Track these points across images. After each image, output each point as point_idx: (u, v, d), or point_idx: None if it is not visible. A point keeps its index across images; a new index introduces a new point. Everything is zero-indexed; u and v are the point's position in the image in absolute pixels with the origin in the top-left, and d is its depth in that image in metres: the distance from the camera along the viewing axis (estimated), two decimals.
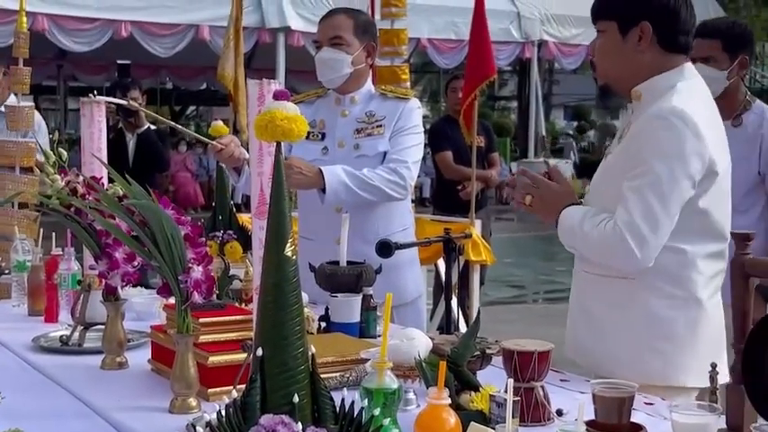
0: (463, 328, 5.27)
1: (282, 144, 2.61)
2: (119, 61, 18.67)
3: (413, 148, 3.26)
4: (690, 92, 2.28)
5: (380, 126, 3.26)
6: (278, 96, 1.19)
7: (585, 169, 23.51)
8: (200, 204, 16.96)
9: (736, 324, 1.77)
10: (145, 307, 2.98)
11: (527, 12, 16.09)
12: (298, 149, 3.26)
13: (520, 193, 2.44)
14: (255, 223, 1.80)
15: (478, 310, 2.10)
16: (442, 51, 15.31)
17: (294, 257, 1.18)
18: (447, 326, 2.95)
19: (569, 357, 2.48)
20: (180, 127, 3.73)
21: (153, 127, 6.68)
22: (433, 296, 6.41)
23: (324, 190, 3.08)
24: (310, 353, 1.20)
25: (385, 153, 3.23)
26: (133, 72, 19.86)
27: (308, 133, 3.29)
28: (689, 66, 2.35)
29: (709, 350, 2.26)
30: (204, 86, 22.04)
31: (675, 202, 2.19)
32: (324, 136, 3.31)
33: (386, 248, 2.75)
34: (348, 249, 2.87)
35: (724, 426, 1.73)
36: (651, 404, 2.09)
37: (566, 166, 18.59)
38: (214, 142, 3.10)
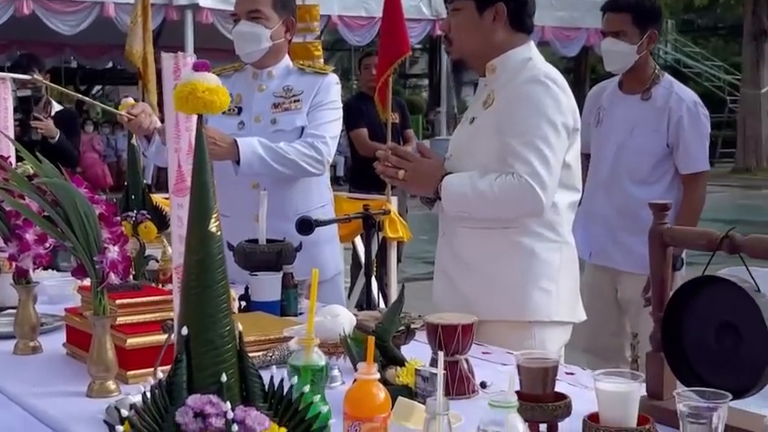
0: (382, 305, 5.28)
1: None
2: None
3: (331, 123, 3.23)
4: (545, 62, 2.60)
5: (298, 101, 3.22)
6: (198, 67, 1.15)
7: None
8: (108, 185, 16.58)
9: (655, 292, 1.80)
10: (57, 290, 2.89)
11: None
12: (213, 124, 3.19)
13: (392, 168, 2.57)
14: (174, 201, 1.75)
15: (402, 285, 2.09)
16: (354, 29, 15.25)
17: (219, 233, 1.15)
18: (367, 301, 2.94)
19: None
20: (89, 99, 3.59)
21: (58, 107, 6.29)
22: (350, 274, 6.40)
23: (238, 162, 3.03)
24: (237, 331, 1.17)
25: (302, 128, 3.19)
26: (36, 51, 19.25)
27: None
28: (533, 43, 2.64)
29: (575, 287, 2.64)
30: (110, 65, 21.51)
31: (561, 151, 2.48)
32: (240, 110, 3.25)
33: (306, 226, 2.72)
34: (267, 227, 2.83)
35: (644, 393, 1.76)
36: (572, 374, 2.12)
37: None
38: (124, 112, 3.02)
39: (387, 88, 5.51)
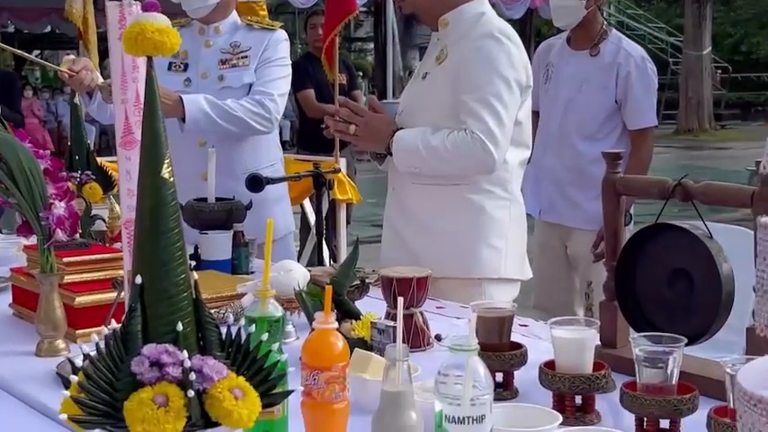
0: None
1: None
2: None
3: (279, 80, 3.16)
4: (498, 18, 2.59)
5: (246, 57, 3.15)
6: (147, 8, 1.11)
7: None
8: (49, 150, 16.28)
9: (608, 242, 1.81)
10: (1, 252, 2.83)
11: None
12: (160, 81, 3.13)
13: (342, 123, 2.55)
14: (121, 154, 1.71)
15: (357, 239, 2.07)
16: None
17: (172, 179, 1.11)
18: (319, 259, 2.92)
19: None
20: (34, 58, 3.47)
21: None
22: (299, 237, 6.37)
23: (184, 119, 2.97)
24: (193, 280, 1.14)
25: (250, 85, 3.13)
26: None
27: (170, 64, 3.18)
28: None
29: (523, 244, 2.63)
30: (49, 29, 21.03)
31: (514, 108, 2.47)
32: (186, 67, 3.17)
33: (256, 183, 2.68)
34: (215, 185, 2.79)
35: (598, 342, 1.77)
36: (526, 325, 2.13)
37: None
38: (64, 69, 2.92)
39: (334, 48, 5.46)
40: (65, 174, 1.91)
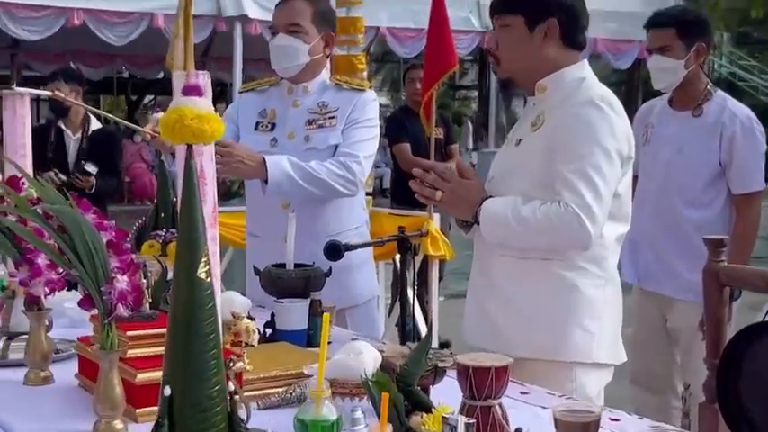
0: (421, 323, 5.13)
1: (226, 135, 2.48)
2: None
3: (366, 141, 3.09)
4: (600, 84, 2.45)
5: (333, 118, 3.09)
6: (188, 91, 1.02)
7: None
8: (156, 196, 16.66)
9: (710, 336, 1.64)
10: (79, 313, 2.77)
11: (487, 0, 15.96)
12: (246, 140, 3.10)
13: (428, 188, 2.43)
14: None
15: (430, 323, 1.94)
16: (402, 40, 15.12)
17: (208, 279, 1.01)
18: (402, 333, 2.79)
19: (471, 345, 2.46)
20: (110, 115, 3.49)
21: (97, 125, 5.92)
22: (391, 291, 6.26)
23: (267, 181, 2.92)
24: (229, 389, 1.03)
25: (336, 146, 3.06)
26: (88, 61, 19.49)
27: (257, 123, 3.16)
28: (586, 62, 2.49)
29: (618, 326, 2.46)
30: (161, 75, 21.67)
31: (614, 182, 2.32)
32: (274, 126, 3.14)
33: (335, 251, 2.58)
34: (297, 248, 2.70)
35: None
36: (617, 420, 1.95)
37: None
38: (146, 129, 2.93)
39: (432, 103, 5.36)
40: (129, 245, 1.83)
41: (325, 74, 3.22)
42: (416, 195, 2.51)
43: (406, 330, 2.88)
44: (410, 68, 6.55)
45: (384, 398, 1.21)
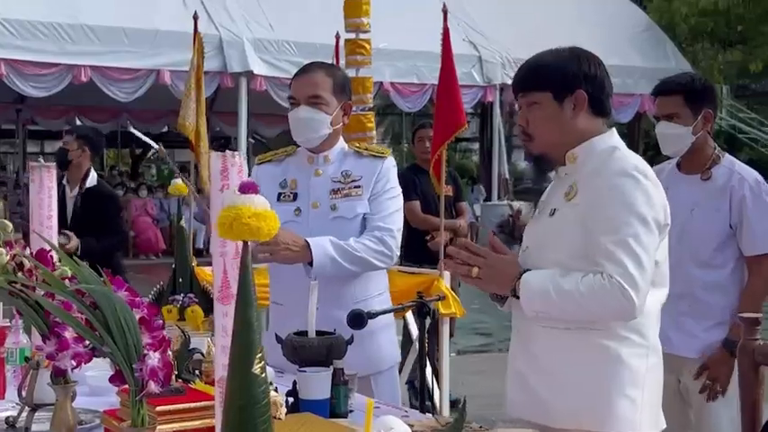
0: (432, 381, 5.10)
1: None
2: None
3: (396, 213, 3.13)
4: (631, 152, 2.46)
5: (359, 187, 3.12)
6: (245, 189, 1.03)
7: None
8: (161, 250, 16.67)
9: (746, 415, 1.63)
10: (99, 381, 2.76)
11: (488, 56, 16.17)
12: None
13: (464, 266, 2.41)
14: (218, 309, 1.63)
15: (464, 400, 1.93)
16: (405, 95, 15.28)
17: (263, 375, 1.01)
18: (421, 398, 2.78)
19: (513, 416, 2.44)
20: (156, 146, 3.28)
21: (95, 179, 5.72)
22: (401, 348, 6.23)
23: (311, 263, 2.95)
24: None
25: (363, 215, 3.10)
26: (93, 116, 19.65)
27: (279, 194, 3.16)
28: (614, 130, 2.51)
29: (660, 393, 2.44)
30: (166, 129, 21.83)
31: (653, 250, 2.32)
32: (296, 196, 3.15)
33: (358, 320, 2.59)
34: (322, 315, 2.69)
35: None
36: None
37: (529, 208, 18.59)
38: (261, 247, 2.86)
39: (441, 162, 5.40)
40: (160, 322, 1.83)
41: (342, 141, 3.25)
42: (452, 273, 2.50)
43: (424, 397, 2.87)
44: (419, 128, 6.58)
45: None
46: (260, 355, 1.01)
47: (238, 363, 1.01)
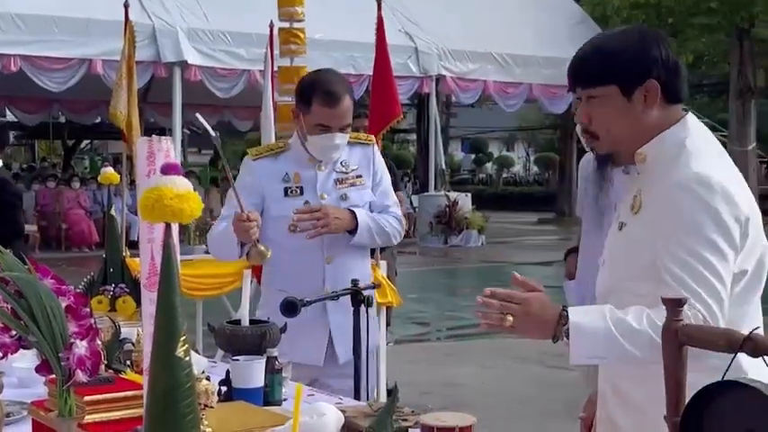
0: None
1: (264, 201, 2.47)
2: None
3: (395, 197, 3.43)
4: (699, 149, 2.11)
5: (359, 176, 3.28)
6: (167, 170, 1.02)
7: (484, 201, 23.74)
8: (94, 242, 16.41)
9: (670, 395, 1.66)
10: (27, 372, 2.72)
11: (425, 47, 16.21)
12: (277, 207, 3.22)
13: (497, 315, 2.07)
14: (145, 296, 1.61)
15: (395, 385, 1.93)
16: None
17: (187, 358, 1.00)
18: (357, 386, 2.78)
19: None
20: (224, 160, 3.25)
21: None
22: None
23: (352, 231, 3.19)
24: None
25: (370, 203, 3.29)
26: (24, 106, 19.27)
27: (286, 189, 3.24)
28: (689, 116, 2.18)
29: None
30: (98, 120, 21.50)
31: (728, 275, 2.03)
32: (302, 190, 3.24)
33: (291, 308, 2.57)
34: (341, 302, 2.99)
35: None
36: None
37: (466, 199, 18.72)
38: (244, 213, 2.98)
39: None
40: (88, 310, 1.80)
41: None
42: (483, 325, 2.13)
43: (359, 386, 2.88)
44: (355, 117, 6.55)
45: None
46: (183, 338, 1.00)
47: (161, 346, 1.00)
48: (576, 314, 2.04)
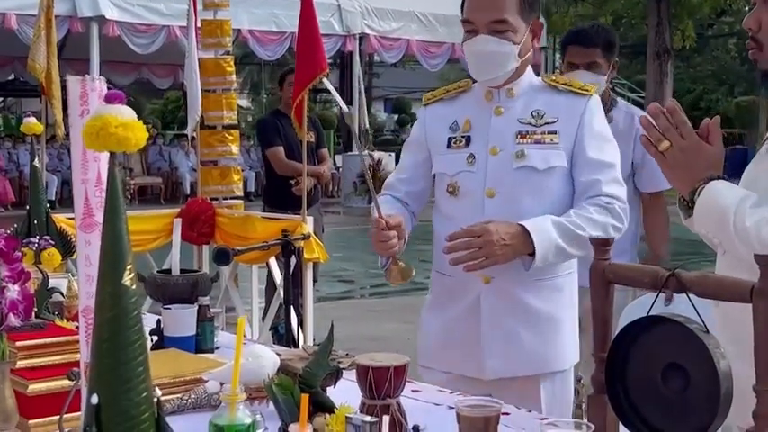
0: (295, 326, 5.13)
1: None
2: None
3: (617, 169, 2.55)
4: None
5: (554, 132, 2.50)
6: (111, 99, 1.01)
7: None
8: (10, 201, 16.05)
9: (597, 331, 1.72)
10: None
11: (348, 5, 16.13)
12: (438, 163, 2.61)
13: (656, 133, 1.88)
14: (81, 237, 1.59)
15: (332, 325, 1.95)
16: (264, 43, 15.09)
17: (134, 286, 1.01)
18: (287, 336, 2.81)
19: None
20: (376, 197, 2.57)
21: None
22: (265, 295, 6.24)
23: (530, 254, 2.41)
24: (156, 398, 1.03)
25: (559, 169, 2.50)
26: None
27: (450, 139, 2.59)
28: None
29: None
30: (12, 77, 20.91)
31: None
32: (469, 140, 2.55)
33: (223, 256, 2.58)
34: (495, 288, 2.47)
35: None
36: (507, 414, 2.02)
37: (389, 159, 18.79)
38: (382, 219, 2.44)
39: (303, 107, 5.39)
40: (19, 254, 1.78)
41: (530, 72, 2.62)
42: (641, 141, 1.91)
43: (291, 334, 2.90)
44: (288, 72, 6.48)
45: (304, 399, 1.23)
46: (129, 266, 1.01)
47: (108, 274, 1.00)
48: (718, 186, 1.85)
